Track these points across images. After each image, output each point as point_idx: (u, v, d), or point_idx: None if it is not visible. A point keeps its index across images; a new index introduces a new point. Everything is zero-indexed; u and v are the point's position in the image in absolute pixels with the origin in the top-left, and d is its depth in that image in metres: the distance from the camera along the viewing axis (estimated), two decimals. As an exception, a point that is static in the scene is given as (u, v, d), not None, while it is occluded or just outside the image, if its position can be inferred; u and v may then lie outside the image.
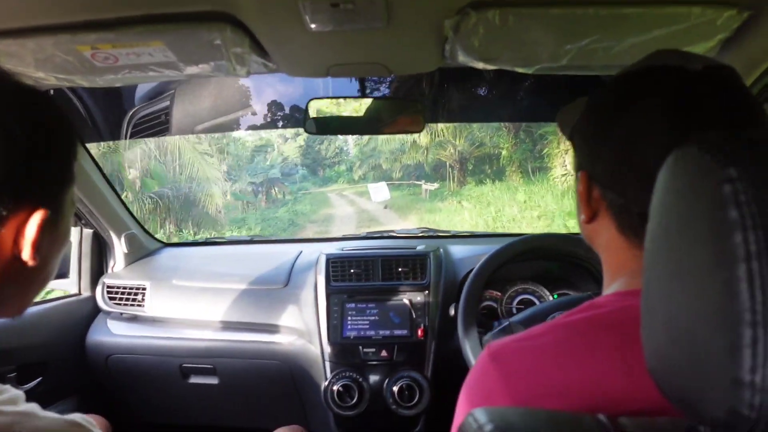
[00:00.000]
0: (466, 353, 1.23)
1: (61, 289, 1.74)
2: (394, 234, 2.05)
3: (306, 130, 1.23)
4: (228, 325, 1.58)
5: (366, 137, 17.99)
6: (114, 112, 1.96)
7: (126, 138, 2.01)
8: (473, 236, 2.06)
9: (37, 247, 0.57)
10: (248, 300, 1.59)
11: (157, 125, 2.08)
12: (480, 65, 1.04)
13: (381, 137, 16.22)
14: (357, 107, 1.22)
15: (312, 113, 1.22)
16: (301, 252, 1.76)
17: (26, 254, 0.56)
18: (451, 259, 1.64)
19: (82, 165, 1.43)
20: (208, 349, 1.55)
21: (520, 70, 1.07)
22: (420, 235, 2.02)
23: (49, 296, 1.66)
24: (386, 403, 1.41)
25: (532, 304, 1.60)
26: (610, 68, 1.06)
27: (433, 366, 1.45)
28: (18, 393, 0.60)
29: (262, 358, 1.54)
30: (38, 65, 0.95)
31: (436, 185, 16.42)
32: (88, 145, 1.51)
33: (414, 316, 1.48)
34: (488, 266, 1.31)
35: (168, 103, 2.10)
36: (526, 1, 0.85)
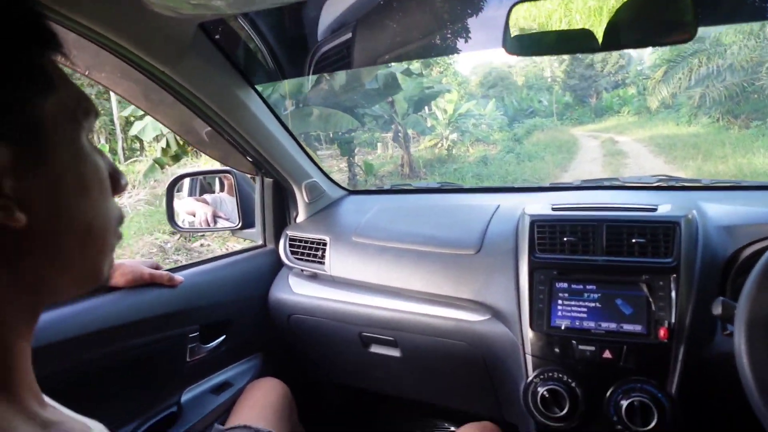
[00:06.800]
0: (746, 376, 0.80)
1: (249, 239, 1.71)
2: (620, 183, 1.58)
3: (506, 49, 0.86)
4: (409, 294, 1.35)
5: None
6: (298, 48, 1.83)
7: (309, 74, 1.87)
8: (738, 188, 1.47)
9: (20, 199, 0.40)
10: (433, 266, 1.33)
11: (340, 59, 1.92)
12: None
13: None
14: (586, 11, 0.81)
15: (515, 25, 0.84)
16: (498, 206, 1.43)
17: None
18: (711, 227, 1.15)
19: (250, 108, 1.29)
20: (388, 320, 1.35)
21: None
22: (656, 184, 1.51)
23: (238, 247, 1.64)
24: (609, 420, 1.05)
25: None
26: None
27: (680, 380, 1.03)
28: None
29: (448, 338, 1.29)
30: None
31: None
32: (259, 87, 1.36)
33: (654, 308, 1.06)
34: None
35: (350, 35, 1.91)
36: None
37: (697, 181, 1.53)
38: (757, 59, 9.91)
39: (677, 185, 1.49)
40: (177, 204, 1.69)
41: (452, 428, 1.82)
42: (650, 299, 1.07)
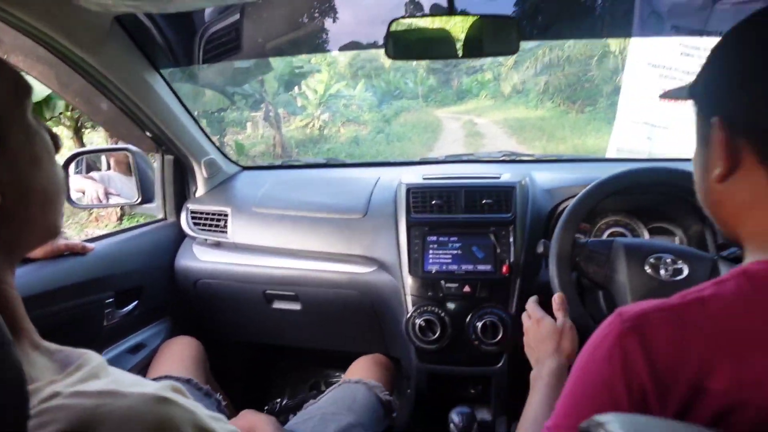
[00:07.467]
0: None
1: (149, 213, 1.80)
2: (474, 158, 1.95)
3: (387, 54, 1.12)
4: (307, 254, 1.58)
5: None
6: (187, 33, 1.89)
7: (199, 62, 1.95)
8: (559, 161, 1.91)
9: None
10: (327, 229, 1.57)
11: (228, 43, 1.99)
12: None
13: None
14: (444, 26, 1.09)
15: (394, 35, 1.09)
16: (379, 178, 1.70)
17: None
18: (538, 189, 1.53)
19: (156, 90, 1.40)
20: (289, 277, 1.57)
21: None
22: (502, 158, 1.90)
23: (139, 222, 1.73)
24: (469, 338, 1.38)
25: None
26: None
27: (518, 303, 1.39)
28: (100, 361, 0.58)
29: (342, 288, 1.54)
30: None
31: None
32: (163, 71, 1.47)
33: (498, 251, 1.40)
34: (587, 201, 1.19)
35: (238, 16, 1.98)
36: None
37: (531, 155, 1.93)
38: (589, 53, 11.41)
39: (517, 159, 1.89)
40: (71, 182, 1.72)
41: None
42: (496, 245, 1.41)
